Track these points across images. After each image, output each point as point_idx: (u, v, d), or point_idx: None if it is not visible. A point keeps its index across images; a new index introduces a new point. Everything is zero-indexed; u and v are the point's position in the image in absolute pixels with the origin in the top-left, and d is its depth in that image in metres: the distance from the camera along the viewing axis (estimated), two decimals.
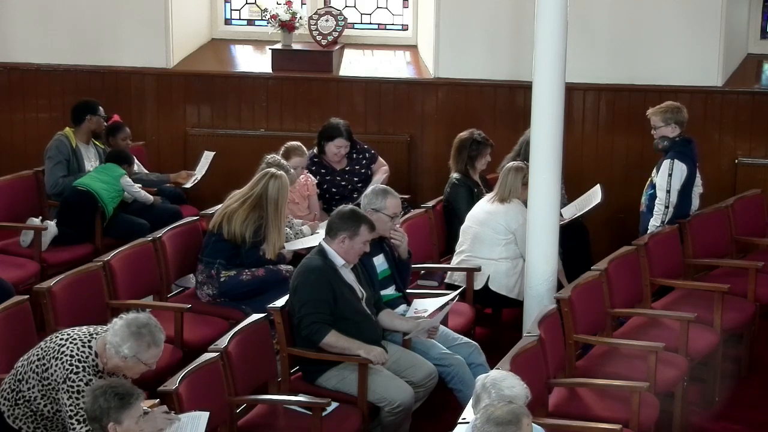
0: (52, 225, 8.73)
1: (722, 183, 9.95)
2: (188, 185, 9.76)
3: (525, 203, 8.09)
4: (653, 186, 8.35)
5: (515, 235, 8.14)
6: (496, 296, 8.22)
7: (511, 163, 8.41)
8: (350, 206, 7.10)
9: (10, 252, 8.66)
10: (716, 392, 7.78)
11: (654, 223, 8.26)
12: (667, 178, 8.20)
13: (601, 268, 7.57)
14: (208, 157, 9.92)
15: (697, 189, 8.54)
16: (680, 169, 8.21)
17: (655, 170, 8.38)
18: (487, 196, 8.42)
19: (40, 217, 8.86)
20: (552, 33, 7.26)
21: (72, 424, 5.48)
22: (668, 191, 8.21)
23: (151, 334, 5.48)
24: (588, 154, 9.95)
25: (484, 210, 8.30)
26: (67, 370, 5.50)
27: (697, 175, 8.47)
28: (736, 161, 9.99)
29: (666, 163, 8.23)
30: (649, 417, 6.51)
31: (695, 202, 8.56)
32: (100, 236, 8.93)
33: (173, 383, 5.81)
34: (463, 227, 8.38)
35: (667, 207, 8.22)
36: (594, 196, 8.87)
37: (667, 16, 9.91)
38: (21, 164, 9.67)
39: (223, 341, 6.35)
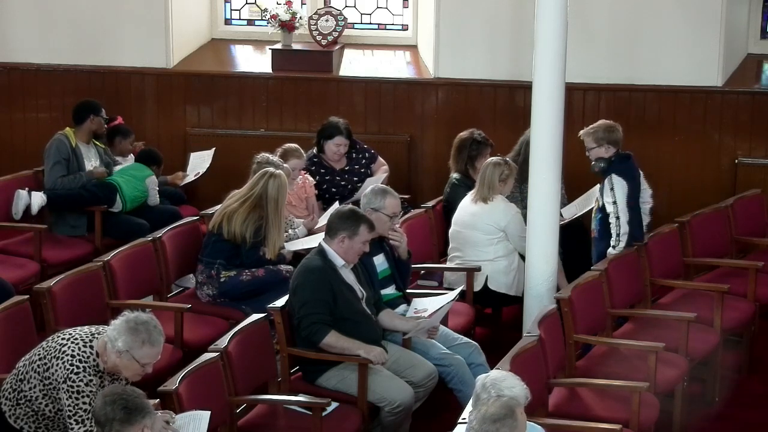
0: (39, 195, 8.85)
1: (722, 183, 9.96)
2: (184, 182, 9.83)
3: (509, 198, 8.10)
4: (601, 209, 7.97)
5: (506, 232, 8.12)
6: (496, 295, 8.22)
7: (491, 159, 8.37)
8: (349, 206, 7.10)
9: (10, 252, 8.66)
10: (716, 392, 7.78)
11: (612, 243, 7.84)
12: (610, 193, 7.83)
13: (601, 268, 7.56)
14: (201, 156, 9.94)
15: (646, 205, 8.16)
16: (620, 183, 7.81)
17: (599, 194, 8.04)
18: (469, 196, 8.37)
19: (27, 188, 8.94)
20: (552, 33, 7.26)
21: (71, 424, 5.48)
22: (614, 202, 7.81)
23: (147, 332, 5.48)
24: None
25: (468, 212, 8.27)
26: (68, 370, 5.51)
27: (645, 188, 8.14)
28: (736, 161, 9.98)
29: (606, 181, 7.88)
30: (649, 417, 6.51)
31: (645, 219, 8.18)
32: (100, 236, 8.93)
33: (173, 383, 5.81)
34: (451, 232, 8.36)
35: (618, 218, 7.81)
36: (594, 196, 8.85)
37: (667, 16, 9.91)
38: (21, 164, 9.67)
39: (223, 341, 6.35)
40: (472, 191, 8.37)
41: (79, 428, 5.45)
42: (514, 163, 8.44)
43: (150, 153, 9.52)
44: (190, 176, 9.84)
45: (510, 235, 8.10)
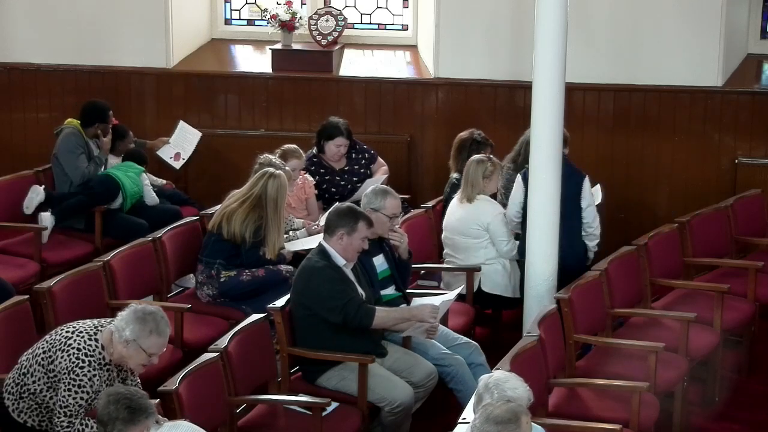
0: (39, 189, 8.87)
1: (722, 183, 9.96)
2: (177, 166, 9.88)
3: (493, 196, 8.06)
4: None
5: (489, 232, 8.09)
6: (493, 297, 8.21)
7: (474, 157, 8.33)
8: (346, 203, 7.11)
9: (10, 252, 8.66)
10: (716, 392, 7.78)
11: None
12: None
13: (601, 268, 7.57)
14: (189, 131, 9.94)
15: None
16: (518, 185, 7.89)
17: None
18: (456, 198, 8.36)
19: (43, 186, 8.97)
20: (552, 33, 7.25)
21: (59, 415, 5.50)
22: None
23: (155, 322, 5.53)
24: (588, 154, 9.93)
25: (455, 217, 8.25)
26: (73, 363, 5.53)
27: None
28: (736, 161, 9.98)
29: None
30: (649, 417, 6.51)
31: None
32: (100, 236, 8.93)
33: (173, 383, 5.82)
34: (443, 237, 8.36)
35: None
36: (594, 196, 8.85)
37: (667, 16, 9.91)
38: (21, 164, 9.67)
39: (223, 341, 6.35)
40: (458, 192, 8.36)
41: (64, 421, 5.47)
42: (498, 160, 8.43)
43: (136, 153, 9.47)
44: (170, 150, 9.87)
45: (492, 235, 8.06)
